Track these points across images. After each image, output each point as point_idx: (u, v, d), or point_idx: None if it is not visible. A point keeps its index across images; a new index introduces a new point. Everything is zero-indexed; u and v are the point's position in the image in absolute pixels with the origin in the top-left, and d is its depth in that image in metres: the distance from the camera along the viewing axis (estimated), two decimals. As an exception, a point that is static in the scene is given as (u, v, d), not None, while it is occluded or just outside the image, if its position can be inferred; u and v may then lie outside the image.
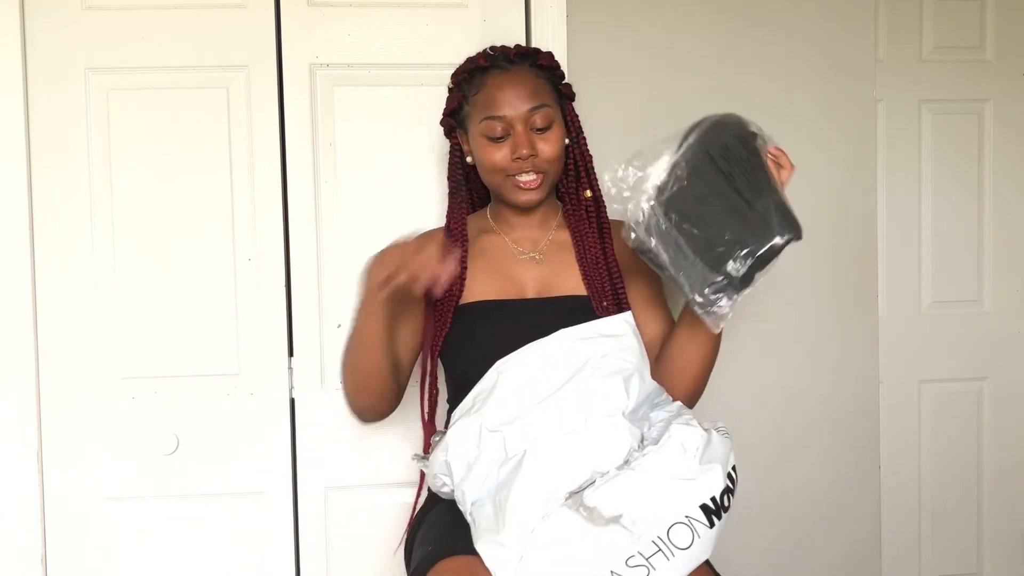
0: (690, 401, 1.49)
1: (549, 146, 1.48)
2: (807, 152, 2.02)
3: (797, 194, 2.02)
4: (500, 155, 1.47)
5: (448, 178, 1.63)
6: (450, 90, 1.58)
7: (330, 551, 1.84)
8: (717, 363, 1.61)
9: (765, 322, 2.02)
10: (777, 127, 1.99)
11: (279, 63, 1.79)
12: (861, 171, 2.06)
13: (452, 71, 1.72)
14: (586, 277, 1.52)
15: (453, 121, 1.58)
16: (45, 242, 1.77)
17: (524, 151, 1.45)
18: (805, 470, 2.06)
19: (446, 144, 1.80)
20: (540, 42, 1.83)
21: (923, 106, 2.27)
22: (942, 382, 2.31)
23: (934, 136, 2.28)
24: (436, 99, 1.80)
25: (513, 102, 1.46)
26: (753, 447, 2.03)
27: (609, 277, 1.52)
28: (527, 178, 1.48)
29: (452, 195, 1.62)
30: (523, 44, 1.81)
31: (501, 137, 1.47)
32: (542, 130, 1.47)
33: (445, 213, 1.76)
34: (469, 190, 1.63)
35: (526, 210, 1.54)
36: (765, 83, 2.00)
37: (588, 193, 1.56)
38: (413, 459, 1.57)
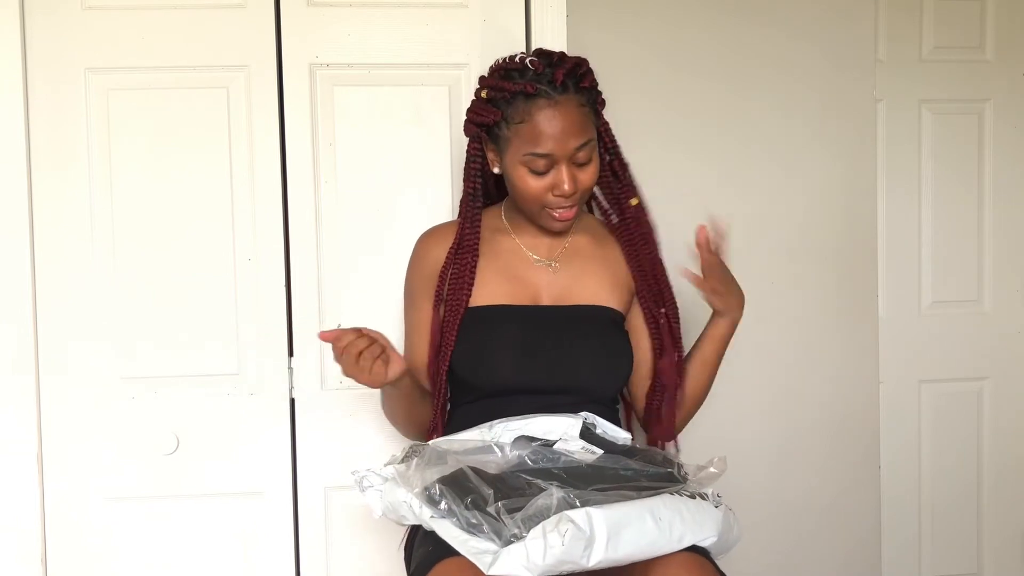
0: (685, 422, 1.59)
1: (589, 177, 1.45)
2: (807, 152, 2.03)
3: (798, 193, 2.03)
4: (540, 186, 1.43)
5: (464, 181, 1.56)
6: (483, 100, 1.47)
7: (330, 551, 1.84)
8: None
9: (765, 322, 2.02)
10: (777, 127, 2.01)
11: (279, 63, 1.79)
12: (861, 171, 2.06)
13: (450, 70, 1.75)
14: (640, 288, 1.55)
15: (483, 133, 1.49)
16: (45, 242, 1.77)
17: (567, 188, 1.42)
18: (805, 470, 2.06)
19: (446, 144, 1.80)
20: (540, 42, 1.82)
21: (923, 106, 2.27)
22: (942, 382, 2.31)
23: (934, 136, 2.28)
24: (436, 99, 1.81)
25: (561, 139, 1.40)
26: (753, 447, 2.03)
27: (658, 285, 1.55)
28: (563, 212, 1.46)
29: (467, 202, 1.55)
30: (525, 46, 1.82)
31: (543, 172, 1.43)
32: (583, 163, 1.44)
33: (445, 213, 1.76)
34: (485, 191, 1.57)
35: None
36: (765, 83, 2.00)
37: (635, 201, 1.55)
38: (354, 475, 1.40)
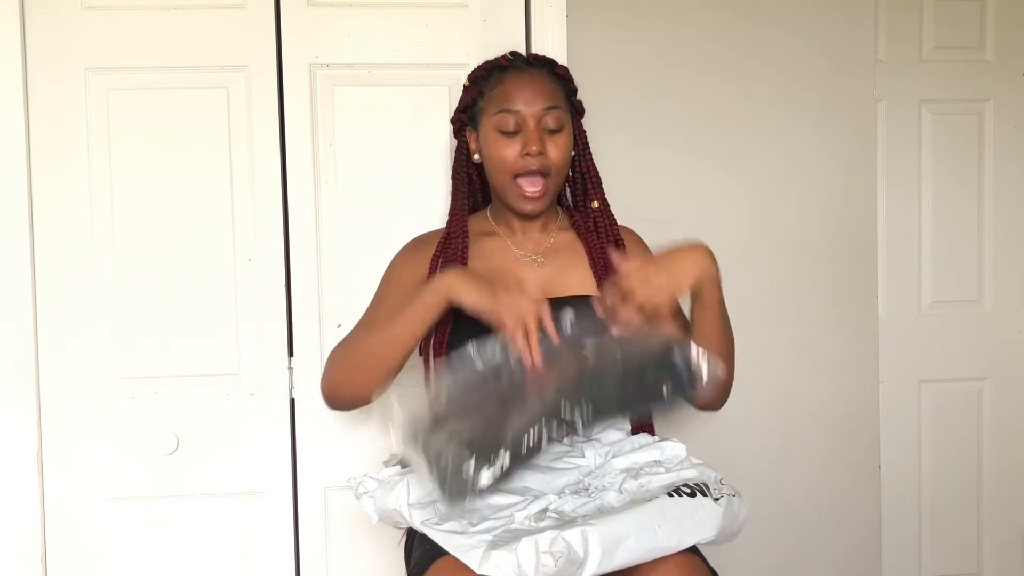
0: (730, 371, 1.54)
1: (557, 149, 1.50)
2: (807, 152, 2.03)
3: (798, 193, 2.03)
4: (511, 151, 1.48)
5: (452, 176, 1.63)
6: (465, 87, 1.59)
7: (330, 551, 1.84)
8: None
9: (765, 322, 2.02)
10: (777, 127, 2.02)
11: (279, 63, 1.79)
12: (861, 171, 2.06)
13: (450, 70, 1.74)
14: (601, 285, 1.53)
15: (465, 117, 1.58)
16: (45, 242, 1.77)
17: (534, 147, 1.47)
18: (805, 470, 2.06)
19: (446, 144, 1.80)
20: (540, 42, 1.83)
21: (923, 106, 2.27)
22: (942, 382, 2.31)
23: (934, 136, 2.28)
24: (436, 99, 1.81)
25: (529, 99, 1.48)
26: (753, 447, 2.03)
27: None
28: (532, 188, 1.49)
29: (455, 193, 1.61)
30: (525, 45, 1.82)
31: (514, 132, 1.48)
32: (553, 132, 1.49)
33: (445, 213, 1.76)
34: (472, 190, 1.63)
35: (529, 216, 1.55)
36: (765, 83, 2.00)
37: (595, 204, 1.59)
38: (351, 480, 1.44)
